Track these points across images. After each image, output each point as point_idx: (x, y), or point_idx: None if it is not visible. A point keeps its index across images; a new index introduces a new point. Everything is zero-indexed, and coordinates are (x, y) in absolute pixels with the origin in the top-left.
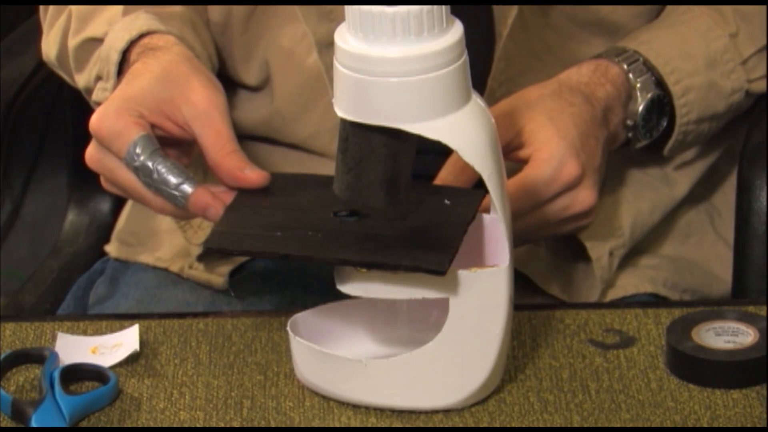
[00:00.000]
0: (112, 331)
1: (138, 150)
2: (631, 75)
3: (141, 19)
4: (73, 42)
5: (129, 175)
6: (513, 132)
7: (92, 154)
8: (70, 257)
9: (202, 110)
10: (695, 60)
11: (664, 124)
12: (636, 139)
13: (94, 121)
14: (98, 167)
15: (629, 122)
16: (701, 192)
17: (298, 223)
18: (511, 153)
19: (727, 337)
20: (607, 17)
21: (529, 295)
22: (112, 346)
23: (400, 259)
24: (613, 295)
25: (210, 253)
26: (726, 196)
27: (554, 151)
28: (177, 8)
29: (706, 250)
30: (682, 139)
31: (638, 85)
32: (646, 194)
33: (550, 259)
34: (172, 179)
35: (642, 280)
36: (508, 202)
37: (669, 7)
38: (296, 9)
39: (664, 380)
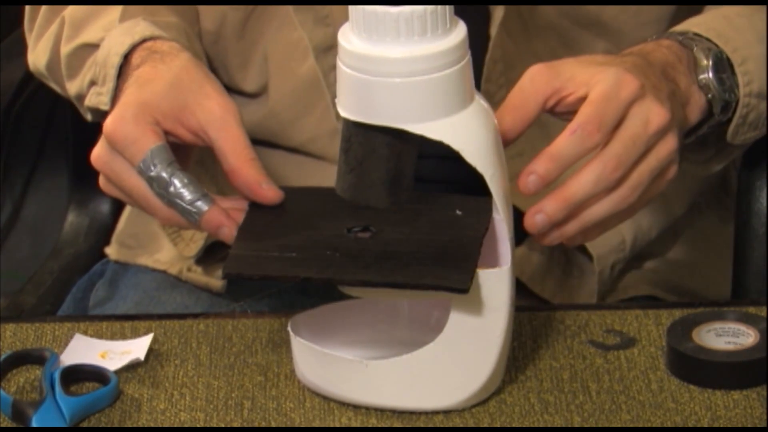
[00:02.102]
0: (113, 332)
1: (155, 160)
2: (687, 42)
3: (141, 25)
4: (66, 48)
5: (138, 182)
6: (557, 82)
7: (100, 156)
8: (70, 259)
9: (218, 115)
10: (745, 33)
11: (738, 82)
12: (716, 100)
13: (110, 125)
14: (105, 169)
15: (702, 79)
16: (701, 194)
17: (313, 243)
18: (561, 102)
19: (728, 338)
20: (610, 22)
21: (524, 299)
22: (121, 353)
23: (421, 278)
24: (613, 297)
25: (231, 275)
26: (726, 197)
27: (606, 73)
28: (172, 19)
29: (706, 251)
30: (745, 114)
31: (695, 48)
32: (646, 211)
33: (543, 263)
34: (188, 194)
35: (642, 282)
36: (509, 204)
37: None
38: (292, 15)
39: (665, 381)
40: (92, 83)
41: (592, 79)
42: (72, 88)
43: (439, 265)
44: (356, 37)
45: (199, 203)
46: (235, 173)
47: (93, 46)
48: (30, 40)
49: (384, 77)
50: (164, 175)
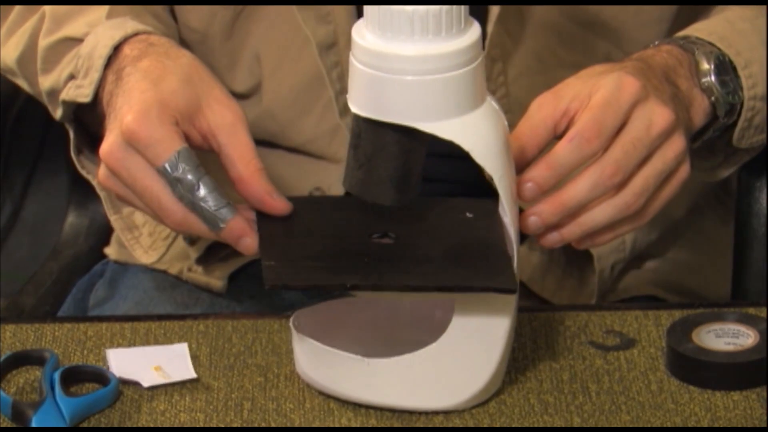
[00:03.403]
0: (112, 333)
1: (182, 163)
2: (687, 46)
3: (131, 22)
4: (45, 41)
5: (153, 183)
6: (563, 104)
7: (113, 152)
8: (70, 259)
9: (229, 121)
10: (748, 37)
11: (742, 84)
12: (720, 103)
13: (133, 122)
14: (117, 166)
15: (705, 82)
16: (702, 195)
17: (341, 251)
18: (570, 123)
19: (728, 339)
20: (610, 21)
21: (524, 298)
22: (164, 376)
23: (468, 280)
24: (613, 297)
25: (276, 286)
26: (726, 197)
27: (606, 79)
28: (159, 25)
29: (707, 251)
30: (750, 117)
31: (696, 52)
32: None
33: (544, 263)
34: (213, 201)
35: (642, 282)
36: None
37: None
38: (295, 13)
39: (665, 382)
40: (71, 77)
41: (593, 89)
42: (45, 82)
43: (478, 266)
44: (370, 33)
45: (224, 210)
46: (244, 182)
47: (75, 41)
48: None
49: (397, 75)
50: (191, 177)
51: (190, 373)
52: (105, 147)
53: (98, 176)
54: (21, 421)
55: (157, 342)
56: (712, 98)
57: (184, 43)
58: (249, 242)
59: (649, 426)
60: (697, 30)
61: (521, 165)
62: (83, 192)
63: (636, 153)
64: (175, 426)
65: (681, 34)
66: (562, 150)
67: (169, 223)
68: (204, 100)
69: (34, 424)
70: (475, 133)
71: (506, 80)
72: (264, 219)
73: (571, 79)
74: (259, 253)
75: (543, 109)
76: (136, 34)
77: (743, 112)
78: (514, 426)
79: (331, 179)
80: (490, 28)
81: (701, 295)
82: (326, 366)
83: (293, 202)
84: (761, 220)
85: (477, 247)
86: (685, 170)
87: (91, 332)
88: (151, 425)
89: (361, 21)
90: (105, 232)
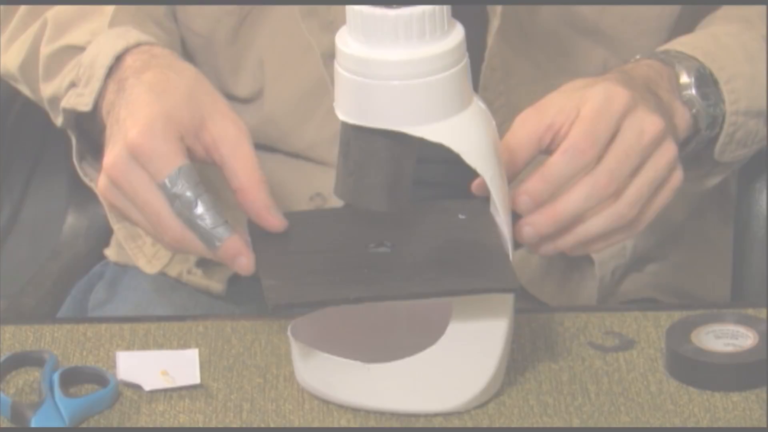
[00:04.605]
0: (111, 334)
1: (182, 180)
2: (668, 60)
3: (133, 32)
4: (47, 49)
5: (155, 198)
6: (547, 119)
7: (117, 164)
8: (70, 260)
9: (232, 134)
10: (734, 53)
11: (724, 97)
12: (702, 115)
13: (138, 136)
14: (119, 178)
15: (686, 95)
16: (702, 198)
17: (339, 264)
18: (555, 137)
19: (727, 340)
20: (609, 30)
21: (523, 302)
22: (166, 379)
23: (470, 283)
24: (613, 300)
25: (280, 306)
26: (726, 199)
27: (594, 90)
28: (162, 35)
29: (707, 254)
30: (732, 132)
31: (677, 65)
32: None
33: (543, 266)
34: (211, 218)
35: (642, 285)
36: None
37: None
38: (300, 22)
39: (664, 383)
40: (72, 85)
41: (581, 101)
42: (47, 89)
43: (477, 268)
44: (354, 40)
45: (220, 229)
46: (245, 192)
47: (77, 49)
48: None
49: (383, 80)
50: (189, 194)
51: (195, 380)
52: (109, 159)
53: (98, 187)
54: (20, 422)
55: (156, 343)
56: (694, 110)
57: (187, 47)
58: (245, 262)
59: (648, 427)
60: (680, 44)
61: (509, 179)
62: (83, 193)
63: (629, 162)
64: (175, 427)
65: (662, 48)
66: (557, 162)
67: (166, 240)
68: (208, 114)
69: (33, 425)
70: (464, 134)
71: (506, 89)
72: (259, 238)
73: (553, 94)
74: (257, 273)
75: (527, 125)
76: (138, 44)
77: (725, 127)
78: (513, 427)
79: (332, 185)
80: (490, 39)
81: (701, 297)
82: (326, 373)
83: (288, 219)
84: (761, 222)
85: (473, 249)
86: (677, 177)
87: (90, 333)
88: (151, 426)
89: (343, 28)
90: (104, 234)
